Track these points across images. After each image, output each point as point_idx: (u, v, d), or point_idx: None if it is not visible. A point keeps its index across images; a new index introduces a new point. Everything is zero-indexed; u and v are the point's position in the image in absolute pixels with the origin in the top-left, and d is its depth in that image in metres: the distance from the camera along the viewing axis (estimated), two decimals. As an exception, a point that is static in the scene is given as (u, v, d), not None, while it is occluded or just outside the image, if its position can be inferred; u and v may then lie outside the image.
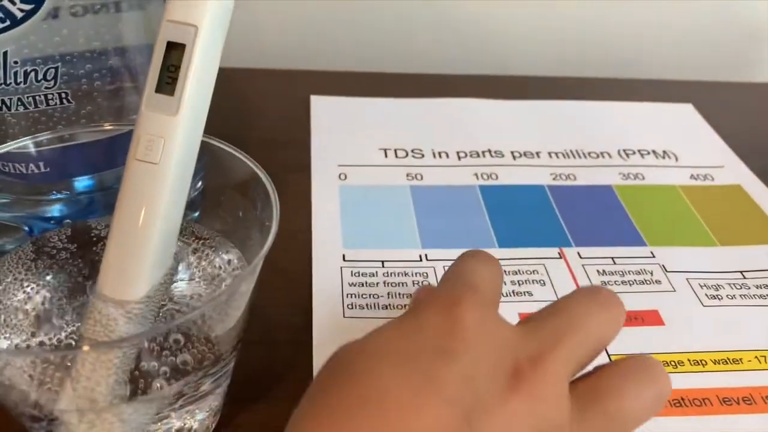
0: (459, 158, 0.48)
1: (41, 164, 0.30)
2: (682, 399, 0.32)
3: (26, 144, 0.29)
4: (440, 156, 0.48)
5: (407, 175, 0.46)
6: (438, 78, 0.56)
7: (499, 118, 0.52)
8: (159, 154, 0.26)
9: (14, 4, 0.27)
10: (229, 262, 0.29)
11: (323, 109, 0.51)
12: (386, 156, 0.48)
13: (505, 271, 0.38)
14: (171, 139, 0.26)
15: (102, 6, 0.30)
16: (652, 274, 0.39)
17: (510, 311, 0.36)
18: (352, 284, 0.37)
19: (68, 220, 0.33)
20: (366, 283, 0.37)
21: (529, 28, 0.60)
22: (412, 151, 0.48)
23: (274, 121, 0.50)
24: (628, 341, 0.33)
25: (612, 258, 0.40)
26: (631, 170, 0.47)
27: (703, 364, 0.34)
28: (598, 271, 0.39)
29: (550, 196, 0.44)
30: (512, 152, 0.48)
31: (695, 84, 0.58)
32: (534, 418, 0.21)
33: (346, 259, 0.39)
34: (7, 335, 0.27)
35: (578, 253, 0.40)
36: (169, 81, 0.27)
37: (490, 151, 0.48)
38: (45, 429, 0.26)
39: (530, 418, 0.21)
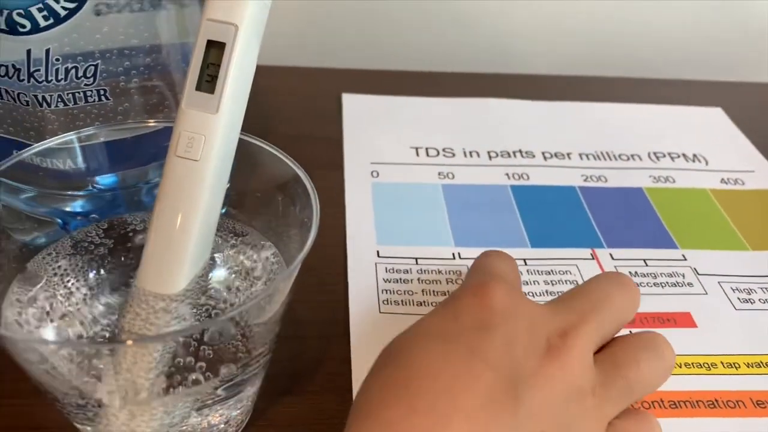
0: (490, 158, 0.48)
1: (78, 160, 0.30)
2: (716, 401, 0.32)
3: (67, 140, 0.30)
4: (471, 155, 0.48)
5: (439, 174, 0.46)
6: (469, 77, 0.56)
7: (530, 118, 0.52)
8: (200, 151, 0.27)
9: (58, 2, 0.27)
10: (266, 258, 0.30)
11: (355, 106, 0.52)
12: (418, 155, 0.48)
13: (537, 271, 0.39)
14: (211, 137, 0.26)
15: (140, 4, 0.30)
16: (684, 276, 0.39)
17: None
18: (387, 280, 0.37)
19: (95, 215, 0.33)
20: (401, 279, 0.37)
21: (558, 27, 0.60)
22: (443, 150, 0.48)
23: (305, 118, 0.51)
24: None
25: (644, 260, 0.40)
26: (662, 173, 0.47)
27: (736, 367, 0.34)
28: (630, 272, 0.39)
29: (581, 197, 0.44)
30: (543, 153, 0.48)
31: (723, 84, 0.57)
32: (565, 384, 0.24)
33: (380, 255, 0.39)
34: (51, 327, 0.27)
35: (610, 255, 0.40)
36: (208, 79, 0.27)
37: (521, 151, 0.48)
38: (88, 417, 0.26)
39: (562, 383, 0.24)
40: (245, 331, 0.27)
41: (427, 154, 0.48)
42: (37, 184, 0.33)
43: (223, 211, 0.32)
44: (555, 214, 0.43)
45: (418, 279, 0.38)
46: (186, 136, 0.27)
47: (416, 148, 0.49)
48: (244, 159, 0.28)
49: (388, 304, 0.36)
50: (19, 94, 0.29)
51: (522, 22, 0.60)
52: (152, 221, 0.27)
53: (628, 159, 0.48)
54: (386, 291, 0.37)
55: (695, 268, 0.39)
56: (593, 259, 0.40)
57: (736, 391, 0.32)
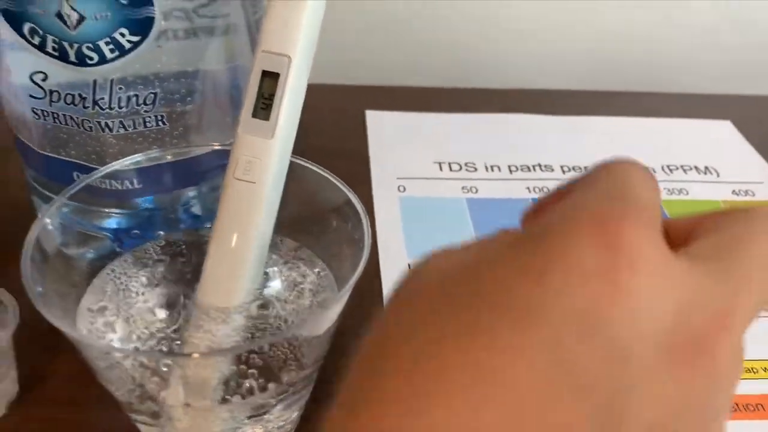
0: (511, 172, 0.50)
1: (135, 180, 0.32)
2: (736, 404, 0.34)
3: (133, 162, 0.32)
4: (492, 170, 0.50)
5: (462, 188, 0.48)
6: (488, 92, 0.58)
7: (547, 133, 0.54)
8: (257, 173, 0.29)
9: (123, 36, 0.29)
10: (316, 273, 0.32)
11: (378, 123, 0.54)
12: (441, 169, 0.50)
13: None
14: (267, 160, 0.28)
15: (195, 33, 0.32)
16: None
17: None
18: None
19: (136, 231, 0.35)
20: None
21: (572, 45, 0.62)
22: (466, 164, 0.50)
23: (331, 134, 0.52)
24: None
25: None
26: (676, 185, 0.49)
27: (753, 372, 0.36)
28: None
29: (599, 209, 0.46)
30: (562, 166, 0.50)
31: (732, 98, 0.59)
32: (708, 397, 0.16)
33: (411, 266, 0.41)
34: (118, 334, 0.29)
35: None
36: (263, 107, 0.29)
37: (540, 165, 0.50)
38: (152, 421, 0.28)
39: (706, 398, 0.16)
40: (300, 345, 0.29)
41: (450, 169, 0.50)
42: (93, 203, 0.35)
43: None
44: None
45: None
46: (244, 160, 0.29)
47: (439, 163, 0.51)
48: (295, 180, 0.30)
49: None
50: (83, 120, 0.31)
51: (539, 40, 0.62)
52: (212, 239, 0.29)
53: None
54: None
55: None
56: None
57: (757, 394, 0.34)
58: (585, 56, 0.63)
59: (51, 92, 0.31)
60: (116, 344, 0.28)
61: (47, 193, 0.35)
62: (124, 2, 0.29)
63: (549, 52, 0.63)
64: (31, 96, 0.31)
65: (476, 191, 0.48)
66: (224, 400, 0.27)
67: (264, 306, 0.30)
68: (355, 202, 0.29)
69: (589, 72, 0.63)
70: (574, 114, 0.56)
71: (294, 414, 0.31)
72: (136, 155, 0.31)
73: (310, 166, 0.31)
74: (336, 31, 0.61)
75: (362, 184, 0.48)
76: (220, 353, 0.28)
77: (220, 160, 0.33)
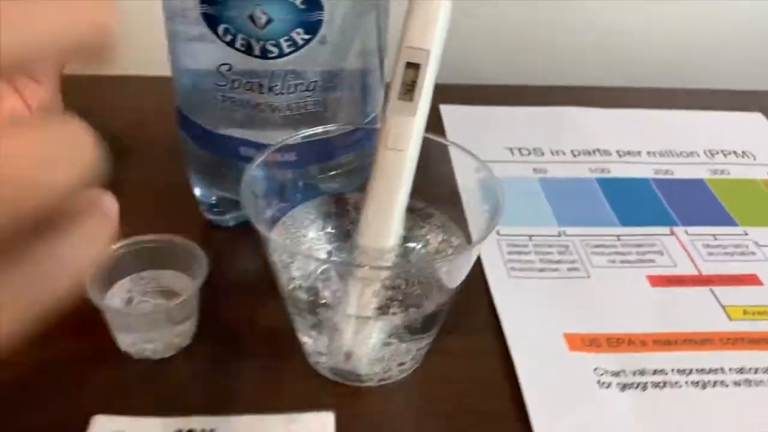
0: (574, 156, 0.57)
1: (293, 154, 0.40)
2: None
3: (306, 136, 0.39)
4: (557, 154, 0.57)
5: (533, 169, 0.56)
6: (549, 89, 0.66)
7: (603, 123, 0.61)
8: (403, 144, 0.36)
9: (299, 35, 0.37)
10: (444, 232, 0.39)
11: (452, 115, 0.61)
12: (512, 154, 0.58)
13: (630, 244, 0.48)
14: (412, 133, 0.36)
15: (350, 33, 0.40)
16: (747, 247, 0.48)
17: (639, 275, 0.45)
18: (509, 252, 0.47)
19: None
20: (520, 251, 0.47)
21: (622, 47, 0.70)
22: (533, 149, 0.58)
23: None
24: (734, 299, 0.43)
25: (713, 235, 0.49)
26: (718, 167, 0.57)
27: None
28: (703, 244, 0.48)
29: (654, 187, 0.54)
30: (617, 151, 0.58)
31: (762, 93, 0.67)
32: None
33: (500, 233, 0.48)
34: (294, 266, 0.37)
35: (685, 231, 0.49)
36: (406, 91, 0.36)
37: (599, 150, 0.58)
38: (322, 330, 0.36)
39: None
40: (434, 283, 0.36)
41: (521, 153, 0.58)
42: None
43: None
44: (635, 200, 0.52)
45: (534, 251, 0.47)
46: (394, 133, 0.36)
47: (510, 149, 0.58)
48: (430, 151, 0.38)
49: (514, 270, 0.45)
50: (257, 103, 0.39)
51: (588, 41, 0.70)
52: (368, 195, 0.36)
53: (689, 155, 0.58)
54: (510, 261, 0.46)
55: (756, 241, 0.49)
56: (672, 235, 0.49)
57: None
58: (631, 57, 0.71)
59: (233, 80, 0.38)
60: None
61: (198, 178, 0.43)
62: (302, 7, 0.36)
63: (598, 53, 0.70)
64: (215, 84, 0.39)
65: (546, 172, 0.55)
66: (378, 316, 0.35)
67: (403, 255, 0.38)
68: (484, 169, 0.37)
69: (637, 69, 0.71)
70: (626, 107, 0.63)
71: (422, 345, 0.38)
72: (305, 130, 0.38)
73: (441, 139, 0.38)
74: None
75: (445, 163, 0.55)
76: (383, 269, 0.35)
77: (357, 137, 0.41)
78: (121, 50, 0.17)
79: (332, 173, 0.43)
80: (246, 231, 0.45)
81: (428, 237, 0.39)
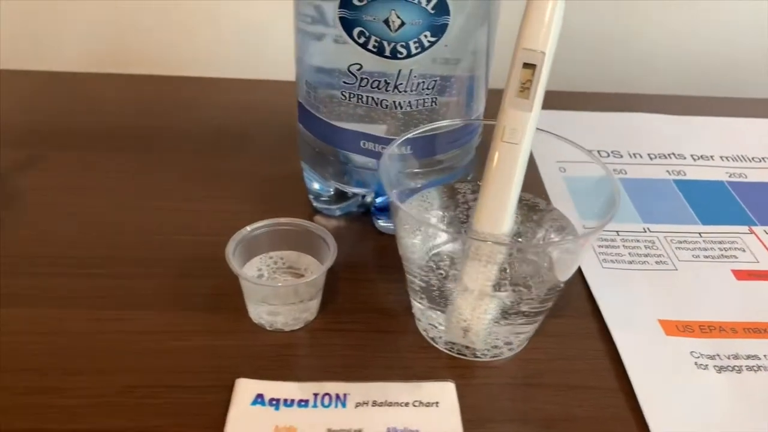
0: (650, 159, 0.60)
1: (408, 147, 0.43)
2: None
3: (429, 129, 0.43)
4: (635, 156, 0.61)
5: (613, 170, 0.59)
6: (620, 96, 0.69)
7: (675, 129, 0.64)
8: (518, 137, 0.39)
9: (426, 37, 0.40)
10: (552, 219, 0.43)
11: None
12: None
13: (712, 240, 0.51)
14: (527, 128, 0.39)
15: (463, 37, 0.43)
16: (824, 246, 0.51)
17: (724, 269, 0.48)
18: (600, 246, 0.50)
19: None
20: (609, 245, 0.50)
21: (689, 59, 0.73)
22: (612, 152, 0.61)
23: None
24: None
25: (790, 235, 0.52)
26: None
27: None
28: (782, 243, 0.51)
29: (730, 189, 0.57)
30: (691, 155, 0.61)
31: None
32: None
33: (587, 228, 0.51)
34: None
35: (765, 230, 0.52)
36: (523, 89, 0.40)
37: (674, 153, 0.61)
38: (443, 302, 0.39)
39: None
40: (548, 268, 0.39)
41: (600, 155, 0.61)
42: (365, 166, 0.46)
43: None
44: (713, 201, 0.55)
45: (623, 245, 0.50)
46: (510, 127, 0.39)
47: (589, 151, 0.61)
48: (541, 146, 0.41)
49: (606, 262, 0.49)
50: (382, 100, 0.42)
51: (665, 52, 0.73)
52: (484, 184, 0.39)
53: (760, 161, 0.61)
54: (601, 253, 0.49)
55: (832, 241, 0.51)
56: (751, 233, 0.52)
57: None
58: (698, 68, 0.74)
59: (362, 78, 0.42)
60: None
61: (314, 170, 0.47)
62: (432, 12, 0.40)
63: (668, 62, 0.74)
64: (343, 82, 0.43)
65: (625, 173, 0.58)
66: (494, 293, 0.38)
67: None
68: (602, 167, 0.40)
69: (702, 79, 0.74)
70: (694, 114, 0.67)
71: (529, 329, 0.41)
72: (428, 125, 0.42)
73: (555, 136, 0.42)
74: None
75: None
76: (503, 244, 0.38)
77: (460, 134, 0.44)
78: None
79: (439, 166, 0.46)
80: (351, 220, 0.49)
81: (539, 229, 0.43)
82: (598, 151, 0.61)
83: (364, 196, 0.49)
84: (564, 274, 0.39)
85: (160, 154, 0.57)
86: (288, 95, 0.60)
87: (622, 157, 0.60)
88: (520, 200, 0.40)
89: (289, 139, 0.53)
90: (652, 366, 0.40)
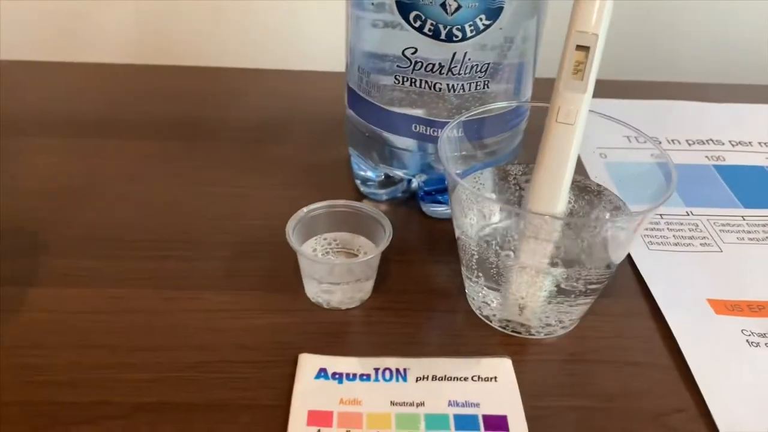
0: (689, 145, 0.61)
1: (460, 129, 0.44)
2: None
3: (482, 111, 0.43)
4: (674, 143, 0.61)
5: (651, 155, 0.59)
6: (654, 84, 0.70)
7: (713, 116, 0.65)
8: (572, 118, 0.40)
9: (481, 20, 0.41)
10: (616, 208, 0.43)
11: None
12: (629, 141, 0.61)
13: (756, 224, 0.51)
14: (581, 108, 0.40)
15: (516, 22, 0.44)
16: None
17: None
18: (645, 229, 0.50)
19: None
20: (653, 228, 0.51)
21: (728, 51, 0.74)
22: (651, 138, 0.61)
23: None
24: None
25: (833, 218, 0.52)
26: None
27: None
28: (824, 225, 0.52)
29: (770, 174, 0.57)
30: (729, 141, 0.61)
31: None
32: None
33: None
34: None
35: (807, 213, 0.53)
36: (576, 71, 0.40)
37: (711, 140, 0.62)
38: (501, 280, 0.40)
39: None
40: (601, 246, 0.40)
41: (638, 141, 0.61)
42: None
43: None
44: (753, 185, 0.56)
45: (667, 228, 0.51)
46: (564, 108, 0.40)
47: (627, 137, 0.62)
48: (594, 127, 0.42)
49: (652, 244, 0.49)
50: (435, 83, 0.43)
51: (702, 39, 0.73)
52: (539, 164, 0.40)
53: (799, 147, 0.61)
54: (647, 236, 0.50)
55: None
56: (794, 216, 0.52)
57: None
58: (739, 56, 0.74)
59: (416, 63, 0.43)
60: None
61: (362, 155, 0.48)
62: (487, -5, 0.40)
63: (704, 50, 0.74)
64: (397, 66, 0.43)
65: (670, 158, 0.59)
66: (549, 269, 0.39)
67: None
68: (657, 147, 0.41)
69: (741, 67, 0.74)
70: (730, 102, 0.67)
71: (582, 307, 0.41)
72: (483, 106, 0.43)
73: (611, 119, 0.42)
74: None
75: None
76: (559, 218, 0.39)
77: (510, 117, 0.45)
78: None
79: (488, 149, 0.47)
80: (397, 204, 0.50)
81: (592, 209, 0.43)
82: (636, 137, 0.61)
83: (410, 181, 0.50)
84: (617, 254, 0.40)
85: (207, 142, 0.58)
86: (327, 85, 0.61)
87: (660, 143, 0.61)
88: (573, 181, 0.41)
89: (332, 126, 0.55)
90: (704, 343, 0.41)
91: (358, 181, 0.52)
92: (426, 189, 0.49)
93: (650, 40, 0.75)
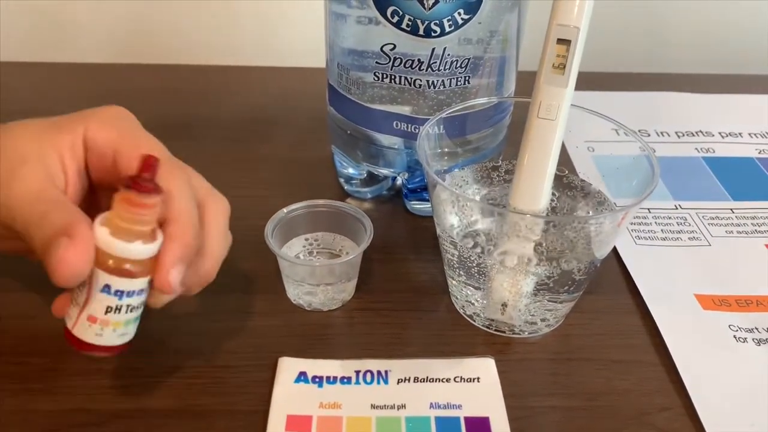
0: (678, 137, 0.60)
1: (441, 126, 0.43)
2: None
3: (463, 108, 0.43)
4: (663, 135, 0.60)
5: (639, 148, 0.58)
6: (642, 76, 0.69)
7: (702, 108, 0.64)
8: (554, 113, 0.39)
9: (460, 15, 0.41)
10: (593, 198, 0.43)
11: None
12: (618, 134, 0.60)
13: (744, 216, 0.51)
14: (562, 103, 0.39)
15: (496, 17, 0.43)
16: None
17: (757, 244, 0.48)
18: (632, 223, 0.50)
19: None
20: (641, 222, 0.50)
21: (713, 40, 0.73)
22: (639, 130, 0.61)
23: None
24: None
25: (823, 209, 0.52)
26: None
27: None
28: (814, 216, 0.51)
29: (760, 165, 0.57)
30: (719, 133, 0.61)
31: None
32: None
33: (617, 205, 0.51)
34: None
35: (796, 205, 0.52)
36: (557, 66, 0.39)
37: (701, 131, 0.61)
38: (481, 279, 0.39)
39: None
40: (584, 243, 0.39)
41: (626, 134, 0.61)
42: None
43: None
44: (743, 177, 0.55)
45: (655, 222, 0.50)
46: (545, 104, 0.39)
47: (615, 129, 0.61)
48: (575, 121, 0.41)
49: (639, 239, 0.49)
50: (415, 80, 0.43)
51: (690, 30, 0.73)
52: (520, 162, 0.40)
53: (790, 137, 0.60)
54: (634, 231, 0.49)
55: None
56: (783, 208, 0.52)
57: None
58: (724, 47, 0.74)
59: (395, 59, 0.42)
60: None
61: (345, 153, 0.48)
62: (466, -11, 0.40)
63: (695, 42, 0.73)
64: (376, 62, 0.43)
65: (654, 151, 0.58)
66: (532, 268, 0.38)
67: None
68: (643, 146, 0.40)
69: (728, 57, 0.74)
70: (719, 93, 0.66)
71: (565, 305, 0.41)
72: (463, 103, 0.42)
73: (593, 113, 0.42)
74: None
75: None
76: (542, 217, 0.39)
77: (491, 113, 0.44)
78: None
79: (471, 146, 0.46)
80: (382, 202, 0.49)
81: (576, 205, 0.43)
82: (624, 131, 0.61)
83: (394, 179, 0.49)
84: (601, 251, 0.39)
85: (189, 141, 0.57)
86: (311, 82, 0.61)
87: (649, 135, 0.60)
88: (556, 177, 0.40)
89: (316, 124, 0.54)
90: (691, 340, 0.40)
91: (342, 180, 0.51)
92: (410, 186, 0.49)
93: (639, 31, 0.74)
